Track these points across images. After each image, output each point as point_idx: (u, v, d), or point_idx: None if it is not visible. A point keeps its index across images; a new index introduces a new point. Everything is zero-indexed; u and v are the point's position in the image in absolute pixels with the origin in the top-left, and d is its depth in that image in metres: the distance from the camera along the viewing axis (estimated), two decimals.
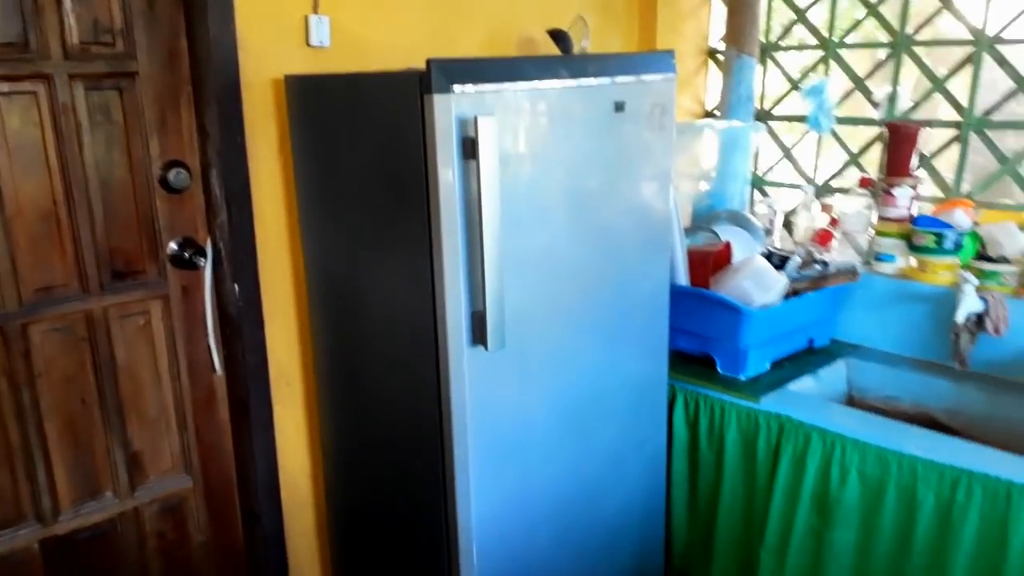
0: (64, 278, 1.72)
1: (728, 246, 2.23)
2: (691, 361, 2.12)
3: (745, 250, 2.29)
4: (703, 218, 2.49)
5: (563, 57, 1.98)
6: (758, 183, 2.69)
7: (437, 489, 1.62)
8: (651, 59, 1.77)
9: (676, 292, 2.00)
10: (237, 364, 1.92)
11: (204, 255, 1.86)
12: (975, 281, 1.96)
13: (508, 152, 1.49)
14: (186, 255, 1.85)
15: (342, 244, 1.75)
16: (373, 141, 1.59)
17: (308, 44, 1.86)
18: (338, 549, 2.09)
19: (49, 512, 1.76)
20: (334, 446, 1.98)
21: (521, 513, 1.70)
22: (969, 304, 1.95)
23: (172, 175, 1.80)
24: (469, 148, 1.41)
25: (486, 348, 1.49)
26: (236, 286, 1.85)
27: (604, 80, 1.64)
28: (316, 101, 1.73)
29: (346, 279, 1.77)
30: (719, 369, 2.07)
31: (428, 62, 1.39)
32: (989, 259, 2.07)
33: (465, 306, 1.49)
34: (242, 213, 1.84)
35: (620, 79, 1.67)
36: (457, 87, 1.40)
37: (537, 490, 1.73)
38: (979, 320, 1.97)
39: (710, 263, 2.14)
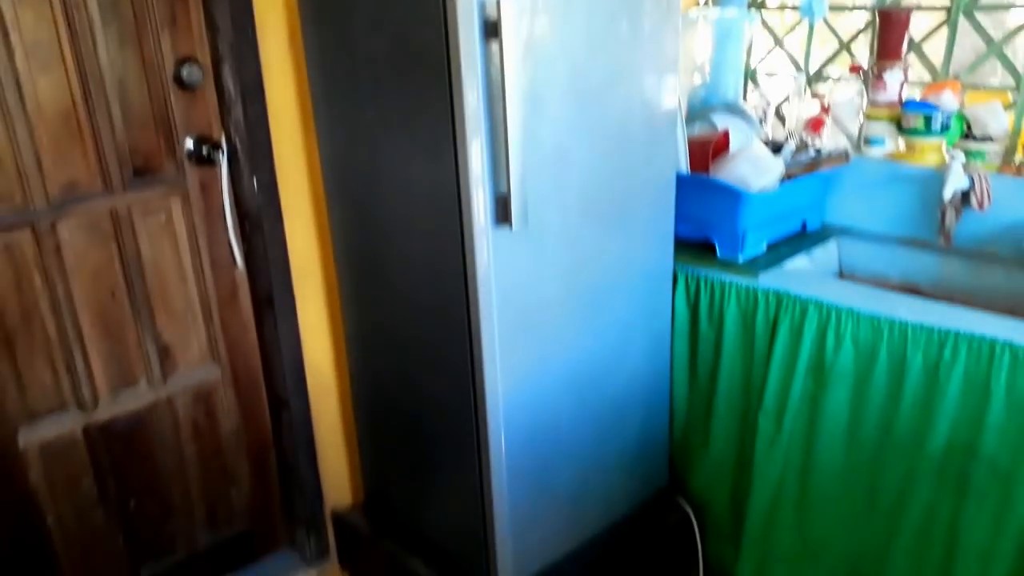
0: (87, 176, 1.76)
1: (726, 134, 2.29)
2: (691, 246, 2.21)
3: (742, 138, 2.36)
4: (698, 109, 2.54)
5: None
6: (751, 74, 2.73)
7: (465, 366, 1.71)
8: None
9: (678, 179, 2.07)
10: (258, 258, 1.99)
11: (221, 151, 1.89)
12: (962, 157, 2.05)
13: (521, 37, 1.52)
14: (203, 151, 1.88)
15: (359, 135, 1.79)
16: (389, 29, 1.61)
17: None
18: (364, 431, 2.19)
19: (89, 400, 1.85)
20: (358, 334, 2.06)
21: (543, 387, 1.80)
22: (956, 180, 2.05)
23: (184, 71, 1.82)
24: (491, 29, 1.45)
25: (511, 227, 1.55)
26: (255, 179, 1.89)
27: None
28: None
29: (365, 169, 1.81)
30: (718, 252, 2.16)
31: None
32: (975, 139, 2.15)
33: (489, 187, 1.55)
34: (256, 107, 1.87)
35: None
36: None
37: (556, 366, 1.82)
38: (964, 197, 2.08)
39: (710, 151, 2.21)
